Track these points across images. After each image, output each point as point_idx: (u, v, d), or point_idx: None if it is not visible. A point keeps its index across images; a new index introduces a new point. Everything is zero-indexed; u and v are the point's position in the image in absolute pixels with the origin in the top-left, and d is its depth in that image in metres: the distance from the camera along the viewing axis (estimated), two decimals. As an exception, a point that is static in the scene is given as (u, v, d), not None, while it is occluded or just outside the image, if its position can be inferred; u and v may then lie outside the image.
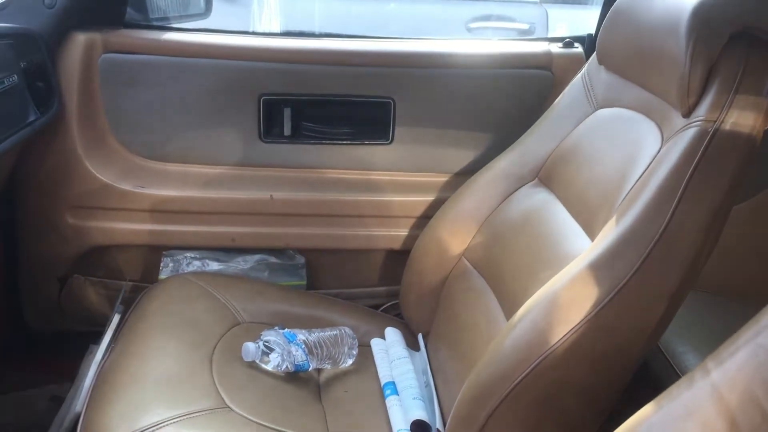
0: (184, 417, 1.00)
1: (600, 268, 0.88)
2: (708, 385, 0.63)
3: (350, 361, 1.24)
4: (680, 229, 0.87)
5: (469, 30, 2.42)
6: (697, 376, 0.65)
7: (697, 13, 0.91)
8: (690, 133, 0.90)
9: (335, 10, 2.16)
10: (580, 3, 2.70)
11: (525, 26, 2.46)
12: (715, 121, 0.89)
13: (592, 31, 1.53)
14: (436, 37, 1.58)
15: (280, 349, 1.16)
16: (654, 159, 0.94)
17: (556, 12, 2.63)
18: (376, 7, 2.50)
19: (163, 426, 0.98)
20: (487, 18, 2.45)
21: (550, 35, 2.54)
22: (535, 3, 2.59)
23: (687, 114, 0.93)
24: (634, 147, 1.01)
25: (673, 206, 0.87)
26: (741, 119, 0.88)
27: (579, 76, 1.30)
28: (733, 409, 0.60)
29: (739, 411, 0.59)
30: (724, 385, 0.61)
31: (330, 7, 2.15)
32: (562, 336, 0.86)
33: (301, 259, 1.53)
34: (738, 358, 0.62)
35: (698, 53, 0.90)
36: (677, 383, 0.66)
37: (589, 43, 1.51)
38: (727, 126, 0.88)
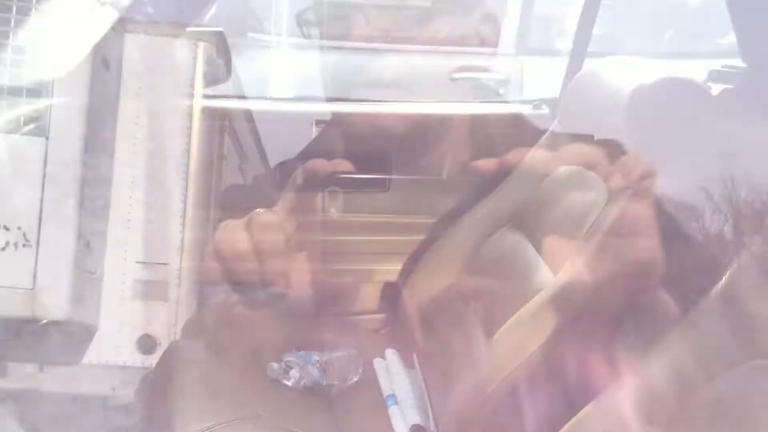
0: (224, 424, 1.23)
1: (554, 303, 1.12)
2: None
3: (356, 378, 1.45)
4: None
5: (453, 80, 2.65)
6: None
7: (630, 103, 1.16)
8: (626, 195, 1.15)
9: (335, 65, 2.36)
10: (552, 53, 2.96)
11: (502, 76, 2.69)
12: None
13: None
14: (426, 100, 1.82)
15: (299, 368, 1.37)
16: (599, 215, 1.17)
17: (531, 59, 2.88)
18: (373, 60, 2.73)
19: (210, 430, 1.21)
20: (467, 69, 2.68)
21: (524, 82, 2.78)
22: (511, 55, 2.85)
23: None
24: (588, 202, 1.22)
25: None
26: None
27: (545, 135, 1.55)
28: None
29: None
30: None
31: (329, 63, 2.35)
32: (525, 357, 1.10)
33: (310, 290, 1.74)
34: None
35: (632, 133, 1.16)
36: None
37: (555, 105, 1.77)
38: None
